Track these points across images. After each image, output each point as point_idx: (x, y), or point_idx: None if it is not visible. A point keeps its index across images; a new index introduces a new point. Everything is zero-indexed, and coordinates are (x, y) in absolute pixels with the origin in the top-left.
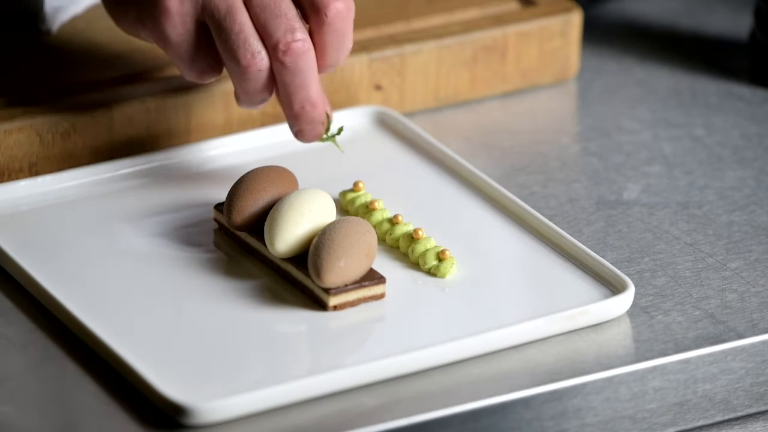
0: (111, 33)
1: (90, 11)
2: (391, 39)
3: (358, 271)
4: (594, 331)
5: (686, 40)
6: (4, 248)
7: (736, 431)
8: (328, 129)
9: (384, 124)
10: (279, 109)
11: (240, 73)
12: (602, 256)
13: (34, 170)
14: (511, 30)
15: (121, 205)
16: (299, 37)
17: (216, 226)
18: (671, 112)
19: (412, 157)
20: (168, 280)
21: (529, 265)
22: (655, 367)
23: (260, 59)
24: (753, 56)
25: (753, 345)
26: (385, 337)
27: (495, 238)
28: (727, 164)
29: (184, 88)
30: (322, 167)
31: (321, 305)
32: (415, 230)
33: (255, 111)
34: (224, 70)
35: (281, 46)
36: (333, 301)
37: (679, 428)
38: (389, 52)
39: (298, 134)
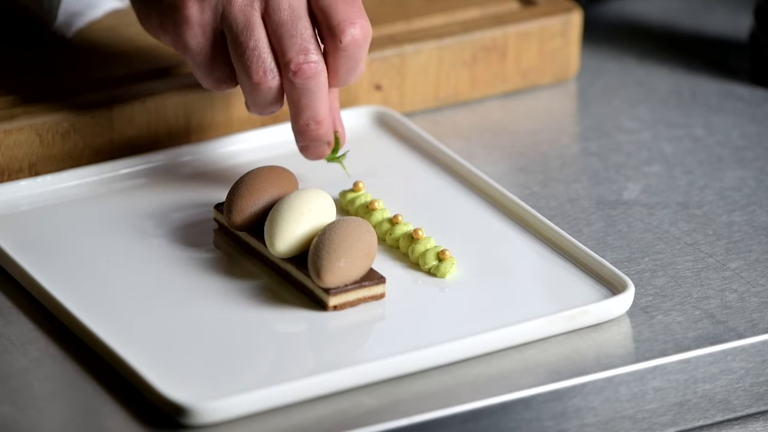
0: (111, 33)
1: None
2: (391, 39)
3: (358, 271)
4: (594, 331)
5: (686, 40)
6: (4, 248)
7: (736, 431)
8: (336, 150)
9: (384, 124)
10: None
11: (251, 87)
12: (602, 256)
13: (34, 170)
14: (511, 30)
15: (121, 205)
16: (312, 59)
17: (216, 226)
18: (671, 112)
19: (412, 157)
20: (168, 280)
21: (529, 265)
22: (655, 367)
23: (272, 77)
24: (753, 56)
25: (753, 345)
26: (385, 337)
27: (495, 238)
28: (727, 164)
29: (184, 88)
30: (322, 167)
31: (321, 305)
32: (415, 230)
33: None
34: None
35: (292, 66)
36: (333, 301)
37: (679, 428)
38: (389, 52)
39: (303, 150)
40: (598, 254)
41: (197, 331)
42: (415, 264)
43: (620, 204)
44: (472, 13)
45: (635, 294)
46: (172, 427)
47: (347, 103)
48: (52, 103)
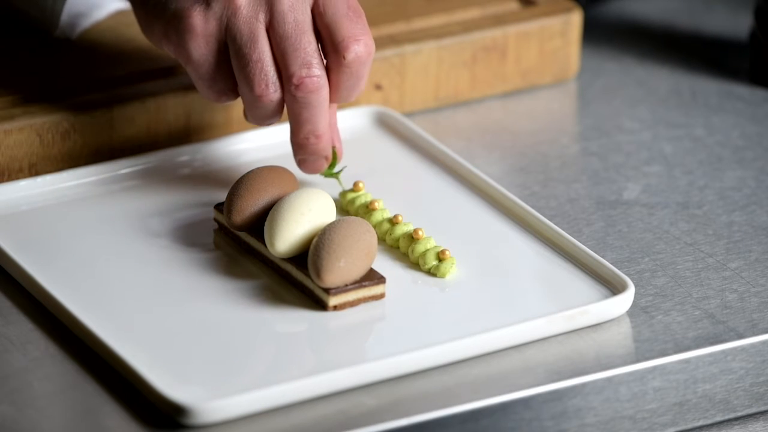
0: (112, 33)
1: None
2: (391, 39)
3: (358, 271)
4: (594, 331)
5: (686, 40)
6: (4, 248)
7: (736, 431)
8: (333, 165)
9: (384, 124)
10: None
11: (252, 99)
12: (602, 256)
13: (34, 170)
14: (511, 30)
15: (121, 205)
16: (315, 73)
17: (216, 226)
18: (671, 112)
19: (412, 157)
20: (168, 280)
21: (529, 265)
22: (655, 367)
23: (273, 90)
24: (753, 56)
25: (753, 345)
26: (385, 337)
27: (495, 238)
28: (727, 164)
29: (184, 88)
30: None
31: (321, 305)
32: (415, 230)
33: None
34: None
35: (294, 80)
36: (333, 301)
37: (679, 428)
38: (389, 52)
39: (300, 164)
40: (598, 254)
41: (197, 331)
42: (415, 264)
43: (620, 204)
44: (472, 13)
45: (635, 294)
46: (172, 427)
47: (347, 103)
48: (52, 103)
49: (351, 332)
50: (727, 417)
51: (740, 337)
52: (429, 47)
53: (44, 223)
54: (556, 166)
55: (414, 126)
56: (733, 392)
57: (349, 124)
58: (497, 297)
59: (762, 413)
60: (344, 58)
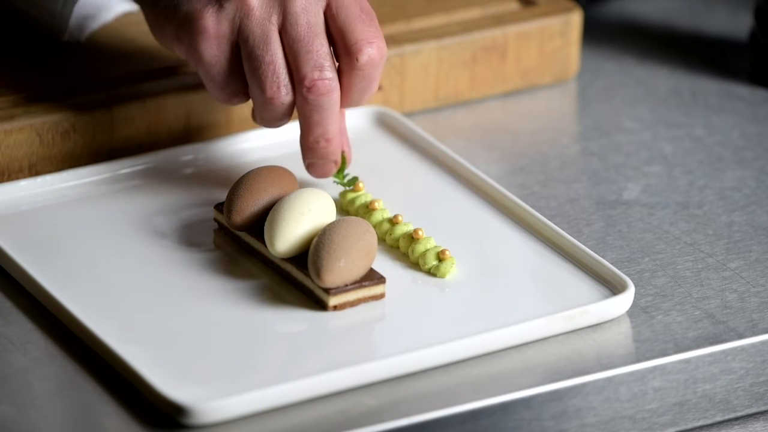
0: (112, 33)
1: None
2: (391, 39)
3: (358, 271)
4: (594, 331)
5: (686, 40)
6: (4, 248)
7: (736, 431)
8: (342, 169)
9: (384, 124)
10: None
11: (263, 102)
12: (602, 256)
13: (34, 170)
14: (511, 30)
15: (120, 205)
16: (327, 75)
17: (216, 226)
18: (671, 112)
19: (412, 157)
20: (168, 280)
21: (529, 265)
22: (655, 367)
23: (285, 93)
24: (753, 56)
25: (753, 345)
26: (385, 337)
27: (495, 238)
28: (727, 164)
29: (184, 88)
30: None
31: (321, 305)
32: (415, 230)
33: (248, 101)
34: None
35: (306, 82)
36: (333, 301)
37: (679, 428)
38: (389, 52)
39: (309, 167)
40: (598, 254)
41: (197, 331)
42: (415, 264)
43: (620, 204)
44: (472, 13)
45: (635, 294)
46: (172, 427)
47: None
48: (52, 103)
49: (351, 332)
50: (727, 417)
51: (740, 337)
52: (429, 47)
53: (44, 223)
54: (556, 166)
55: (414, 126)
56: (733, 392)
57: (349, 124)
58: (497, 297)
59: (762, 413)
60: (357, 60)
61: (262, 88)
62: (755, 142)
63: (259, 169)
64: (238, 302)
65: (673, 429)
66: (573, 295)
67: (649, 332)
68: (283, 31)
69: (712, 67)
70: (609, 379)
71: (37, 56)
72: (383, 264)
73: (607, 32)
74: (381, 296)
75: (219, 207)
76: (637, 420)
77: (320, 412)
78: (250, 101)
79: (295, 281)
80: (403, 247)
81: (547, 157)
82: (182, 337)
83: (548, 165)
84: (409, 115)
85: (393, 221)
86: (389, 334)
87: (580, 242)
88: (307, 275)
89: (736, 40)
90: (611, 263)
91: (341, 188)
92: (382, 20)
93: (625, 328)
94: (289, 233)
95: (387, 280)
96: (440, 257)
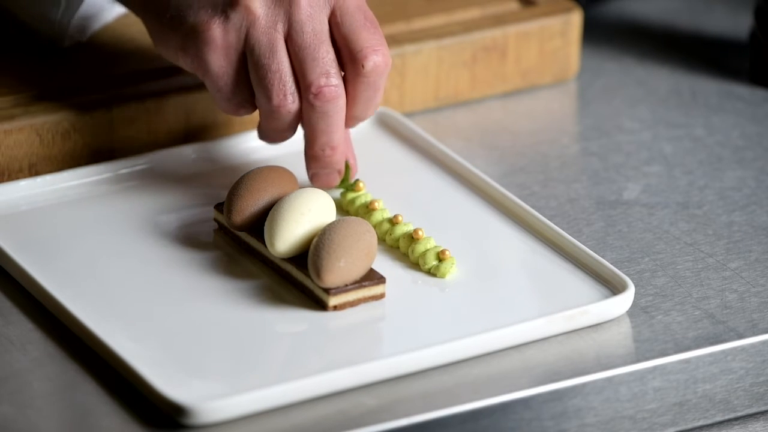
0: (112, 33)
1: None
2: (391, 39)
3: (358, 271)
4: (594, 331)
5: (686, 40)
6: (4, 248)
7: (736, 431)
8: (346, 179)
9: (384, 124)
10: None
11: (270, 110)
12: (602, 256)
13: (34, 170)
14: (511, 30)
15: (121, 205)
16: (333, 82)
17: (216, 226)
18: (671, 112)
19: (412, 157)
20: (168, 280)
21: (529, 265)
22: (655, 367)
23: (292, 101)
24: (753, 56)
25: (753, 345)
26: (385, 337)
27: (495, 238)
28: (727, 164)
29: (184, 88)
30: None
31: (321, 305)
32: (415, 230)
33: (255, 111)
34: None
35: (313, 89)
36: (333, 301)
37: (679, 428)
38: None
39: (313, 177)
40: (598, 254)
41: (197, 331)
42: (415, 264)
43: (620, 204)
44: (472, 13)
45: (635, 294)
46: (172, 427)
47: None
48: (52, 103)
49: (351, 332)
50: (727, 417)
51: (740, 337)
52: (429, 47)
53: (44, 223)
54: (556, 166)
55: (414, 126)
56: (733, 392)
57: None
58: (497, 297)
59: (762, 413)
60: (363, 67)
61: (268, 96)
62: (755, 142)
63: (259, 169)
64: (238, 302)
65: (673, 429)
66: (573, 295)
67: (649, 332)
68: (289, 39)
69: (712, 67)
70: (609, 379)
71: (37, 56)
72: (383, 264)
73: (607, 32)
74: (381, 296)
75: (219, 207)
76: (637, 420)
77: (320, 412)
78: (256, 113)
79: (295, 281)
80: (403, 247)
81: (547, 157)
82: (182, 337)
83: (548, 165)
84: (409, 115)
85: (393, 221)
86: (389, 334)
87: (580, 242)
88: (307, 275)
89: (736, 40)
90: (611, 263)
91: (342, 188)
92: (382, 20)
93: (625, 328)
94: (289, 233)
95: (387, 280)
96: (440, 257)
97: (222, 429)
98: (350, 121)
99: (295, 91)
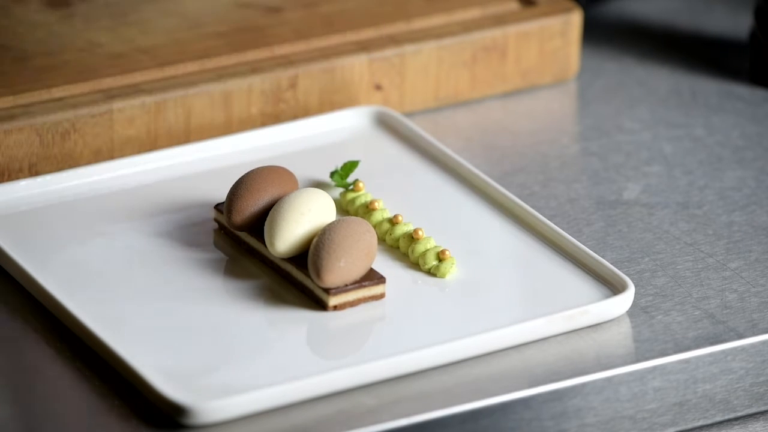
0: (112, 32)
1: (91, 10)
2: (391, 39)
3: (358, 271)
4: (594, 331)
5: (686, 40)
6: (4, 248)
7: (736, 431)
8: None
9: (384, 124)
10: (279, 108)
11: None
12: (602, 256)
13: (34, 170)
14: (511, 30)
15: (121, 205)
16: None
17: (216, 226)
18: (671, 112)
19: (412, 157)
20: (168, 280)
21: (529, 265)
22: (655, 367)
23: None
24: (753, 56)
25: (753, 345)
26: (385, 337)
27: (495, 238)
28: (727, 164)
29: (184, 87)
30: (323, 167)
31: (321, 305)
32: (415, 230)
33: (255, 111)
34: None
35: None
36: (333, 301)
37: (679, 428)
38: (389, 52)
39: None
40: (598, 254)
41: (197, 331)
42: (415, 264)
43: (620, 204)
44: (472, 13)
45: (635, 294)
46: (172, 427)
47: (347, 103)
48: (52, 103)
49: (351, 332)
50: (727, 417)
51: (740, 337)
52: (429, 47)
53: (44, 223)
54: (556, 166)
55: (414, 126)
56: (733, 392)
57: (349, 124)
58: (497, 297)
59: (762, 413)
60: None
61: None
62: (755, 142)
63: (259, 169)
64: (238, 302)
65: (673, 429)
66: (573, 295)
67: (649, 332)
68: None
69: (712, 67)
70: (609, 379)
71: (37, 56)
72: (383, 264)
73: (607, 32)
74: (381, 296)
75: (219, 207)
76: (637, 420)
77: (320, 412)
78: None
79: (295, 281)
80: (403, 247)
81: (547, 157)
82: (182, 338)
83: (548, 165)
84: (409, 115)
85: (393, 221)
86: (389, 334)
87: (580, 242)
88: (307, 275)
89: (736, 40)
90: (611, 263)
91: (341, 188)
92: (382, 20)
93: (625, 328)
94: (289, 233)
95: (387, 280)
96: (440, 257)
97: (222, 429)
98: None
99: None
